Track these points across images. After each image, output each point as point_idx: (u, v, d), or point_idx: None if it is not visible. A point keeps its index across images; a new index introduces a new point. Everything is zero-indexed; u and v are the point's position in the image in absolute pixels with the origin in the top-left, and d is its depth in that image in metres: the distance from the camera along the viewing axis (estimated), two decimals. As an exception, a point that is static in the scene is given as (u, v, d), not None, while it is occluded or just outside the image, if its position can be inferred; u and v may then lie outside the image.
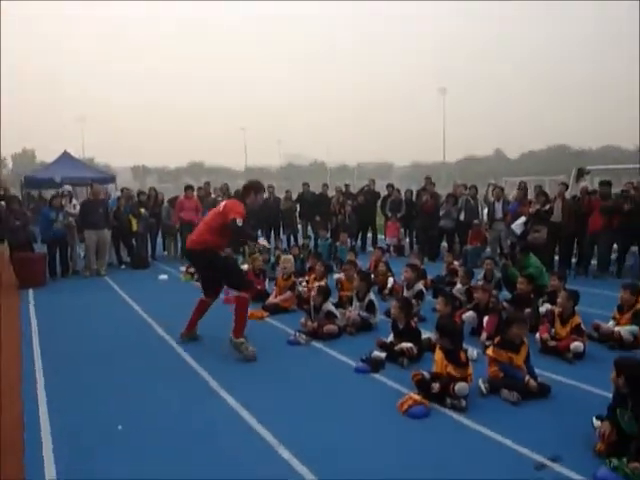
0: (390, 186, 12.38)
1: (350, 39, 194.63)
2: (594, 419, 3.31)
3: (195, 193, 11.78)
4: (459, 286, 6.52)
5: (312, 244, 11.37)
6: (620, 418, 3.03)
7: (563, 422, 3.57)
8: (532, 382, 3.97)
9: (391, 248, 11.66)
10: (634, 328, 5.08)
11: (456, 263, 8.67)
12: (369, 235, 12.80)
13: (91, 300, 7.69)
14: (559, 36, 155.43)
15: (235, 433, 3.50)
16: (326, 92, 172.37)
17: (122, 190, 11.19)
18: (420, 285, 6.35)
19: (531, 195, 11.00)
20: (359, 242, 12.44)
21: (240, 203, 5.05)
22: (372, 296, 5.96)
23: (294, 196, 12.84)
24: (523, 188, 10.36)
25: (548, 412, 3.74)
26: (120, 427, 3.55)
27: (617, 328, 5.14)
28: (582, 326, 4.98)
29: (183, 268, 10.15)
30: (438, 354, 4.08)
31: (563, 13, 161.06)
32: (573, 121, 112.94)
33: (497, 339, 4.22)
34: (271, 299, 6.87)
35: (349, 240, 10.94)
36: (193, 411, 3.83)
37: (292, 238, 12.71)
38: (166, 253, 11.93)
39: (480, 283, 6.53)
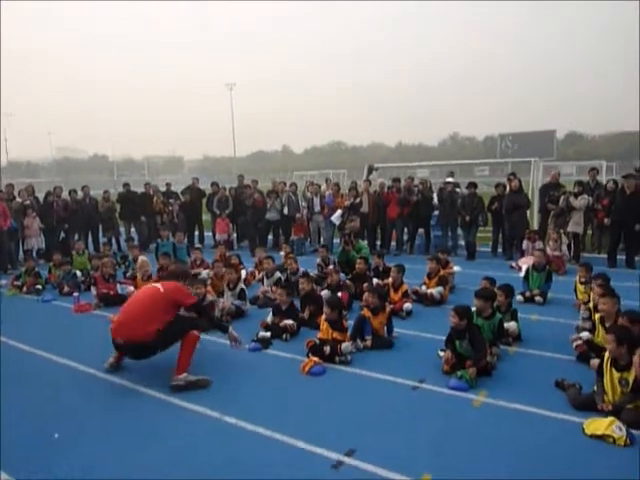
0: (215, 184, 12.94)
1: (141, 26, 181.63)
2: (438, 351, 4.76)
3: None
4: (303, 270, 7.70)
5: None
6: (458, 346, 4.49)
7: (417, 357, 4.96)
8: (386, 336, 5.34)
9: (222, 243, 12.27)
10: (440, 289, 6.93)
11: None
12: (196, 233, 13.14)
13: None
14: (351, 40, 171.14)
15: (171, 412, 3.94)
16: (104, 78, 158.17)
17: None
18: (278, 273, 7.29)
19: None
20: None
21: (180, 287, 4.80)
22: (242, 285, 6.67)
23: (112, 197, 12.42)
24: (335, 184, 12.12)
25: (404, 353, 5.11)
26: (57, 435, 3.64)
27: (429, 290, 6.92)
28: (408, 291, 6.60)
29: (3, 281, 9.12)
30: (324, 324, 5.10)
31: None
32: (349, 120, 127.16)
33: (365, 305, 5.45)
34: (134, 301, 6.95)
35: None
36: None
37: (114, 241, 12.28)
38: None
39: (328, 269, 7.83)
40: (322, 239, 12.12)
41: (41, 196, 12.03)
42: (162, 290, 4.59)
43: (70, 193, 11.97)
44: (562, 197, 9.48)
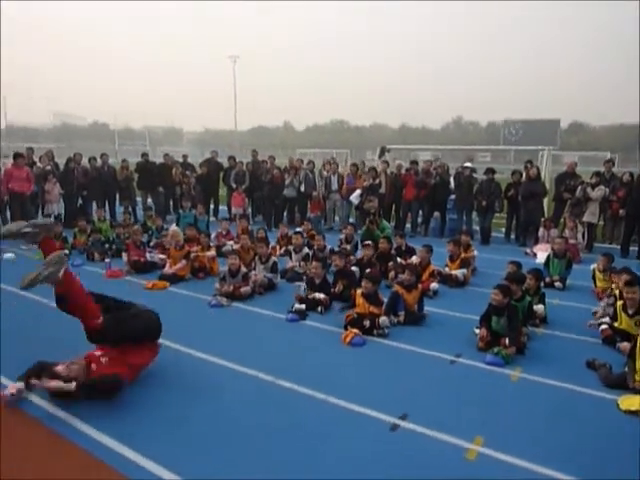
0: (232, 158, 13.03)
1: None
2: (474, 328, 5.01)
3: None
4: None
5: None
6: (495, 324, 4.74)
7: (449, 334, 5.22)
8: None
9: (237, 217, 12.42)
10: (463, 271, 7.17)
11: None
12: (211, 206, 13.26)
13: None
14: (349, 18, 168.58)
15: (228, 375, 4.18)
16: (107, 48, 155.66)
17: None
18: (307, 249, 7.49)
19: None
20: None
21: None
22: (274, 258, 6.88)
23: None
24: (354, 164, 12.25)
25: (437, 330, 5.37)
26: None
27: (453, 272, 7.16)
28: (435, 272, 6.84)
29: (25, 245, 9.26)
30: (359, 299, 5.33)
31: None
32: (351, 100, 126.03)
33: (398, 282, 5.68)
34: (167, 270, 7.16)
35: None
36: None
37: (130, 209, 12.39)
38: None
39: (344, 246, 8.06)
40: (338, 217, 12.32)
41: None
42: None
43: (90, 160, 12.02)
44: (579, 187, 9.69)
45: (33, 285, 3.52)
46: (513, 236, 10.78)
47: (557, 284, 7.02)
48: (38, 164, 11.29)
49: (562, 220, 10.27)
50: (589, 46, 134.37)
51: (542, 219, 9.89)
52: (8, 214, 10.32)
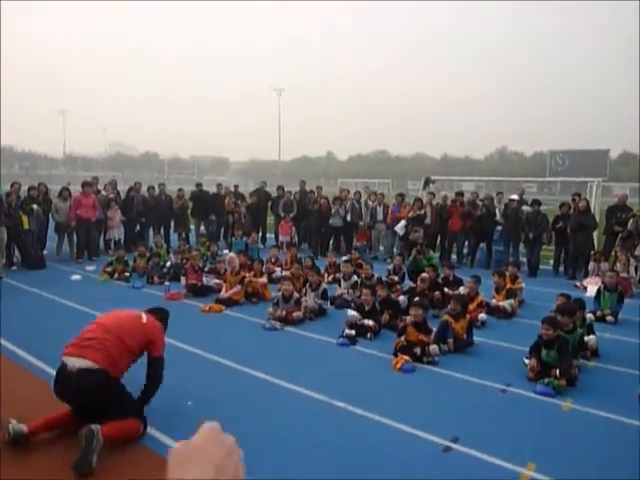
0: (281, 188, 13.55)
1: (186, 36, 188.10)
2: (524, 358, 5.08)
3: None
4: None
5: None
6: (545, 355, 4.81)
7: (498, 364, 5.29)
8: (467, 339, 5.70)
9: (284, 245, 12.84)
10: (511, 301, 7.22)
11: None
12: (259, 234, 13.75)
13: (30, 305, 7.36)
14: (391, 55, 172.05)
15: (286, 395, 4.42)
16: (156, 83, 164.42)
17: (12, 185, 10.28)
18: (355, 277, 7.74)
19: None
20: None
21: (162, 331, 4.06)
22: (325, 286, 7.16)
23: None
24: (400, 194, 12.52)
25: (486, 360, 5.46)
26: (190, 403, 4.18)
27: (500, 303, 7.21)
28: (483, 302, 6.93)
29: (90, 267, 9.95)
30: (409, 327, 5.50)
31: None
32: (392, 130, 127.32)
33: (447, 312, 5.84)
34: (223, 294, 7.55)
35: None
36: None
37: (184, 236, 13.03)
38: (56, 253, 11.22)
39: (392, 277, 8.28)
40: (382, 247, 12.53)
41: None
42: (144, 321, 3.90)
43: (148, 189, 12.80)
44: (631, 220, 9.56)
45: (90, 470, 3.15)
46: (562, 269, 10.66)
47: (609, 318, 6.95)
48: (102, 192, 12.12)
49: (613, 253, 10.11)
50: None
51: (592, 252, 9.78)
52: (75, 238, 11.07)
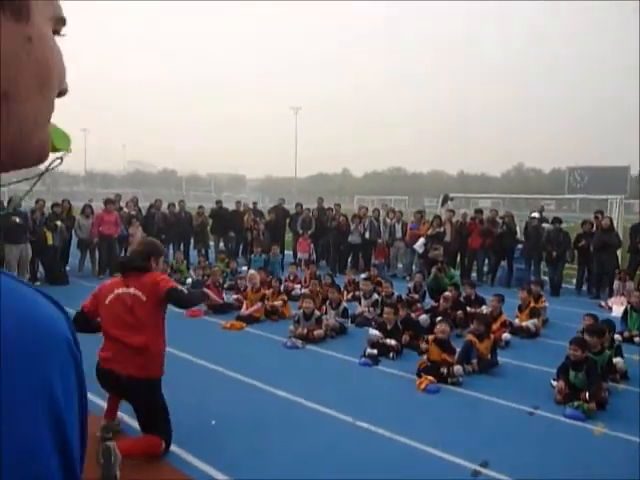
0: (299, 205, 13.62)
1: (200, 53, 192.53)
2: (551, 380, 4.98)
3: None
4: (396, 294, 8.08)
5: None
6: (573, 377, 4.71)
7: (524, 385, 5.19)
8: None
9: (302, 262, 12.85)
10: (534, 321, 7.10)
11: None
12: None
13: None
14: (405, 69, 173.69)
15: (309, 414, 4.39)
16: (173, 102, 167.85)
17: (37, 201, 10.52)
18: (376, 295, 7.70)
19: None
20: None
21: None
22: (345, 304, 7.13)
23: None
24: (419, 212, 12.50)
25: (511, 381, 5.36)
26: (214, 422, 4.17)
27: (524, 323, 7.10)
28: (506, 322, 6.83)
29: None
30: (432, 346, 5.44)
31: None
32: (407, 147, 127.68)
33: (470, 331, 5.76)
34: (243, 311, 7.56)
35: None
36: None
37: (204, 253, 13.13)
38: (79, 269, 11.39)
39: (412, 295, 8.22)
40: (401, 265, 12.47)
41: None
42: (144, 298, 3.47)
43: (169, 207, 12.97)
44: (656, 238, 9.39)
45: None
46: (584, 288, 10.48)
47: (637, 339, 6.79)
48: (124, 209, 12.31)
49: (638, 272, 9.91)
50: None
51: (617, 271, 9.60)
52: (97, 254, 11.24)
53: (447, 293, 7.29)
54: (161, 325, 3.60)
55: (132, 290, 3.49)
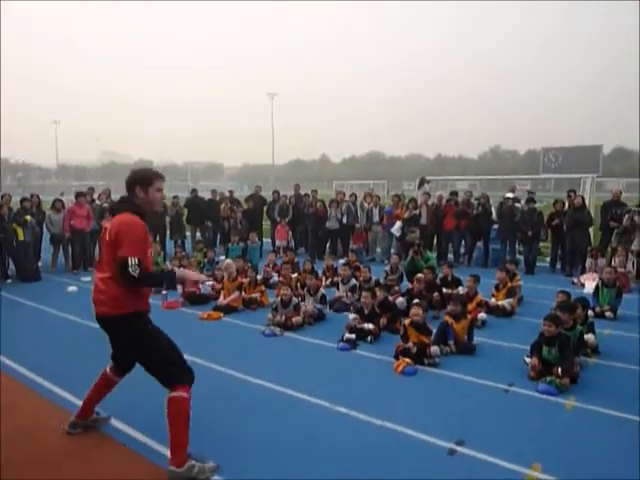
0: (276, 192, 13.51)
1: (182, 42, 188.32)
2: (525, 357, 5.07)
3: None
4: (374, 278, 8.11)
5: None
6: (546, 353, 4.79)
7: (499, 363, 5.27)
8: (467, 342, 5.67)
9: (281, 250, 12.80)
10: (510, 300, 7.21)
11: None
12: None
13: (26, 318, 7.31)
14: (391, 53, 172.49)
15: (285, 401, 4.39)
16: (150, 90, 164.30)
17: (2, 196, 10.19)
18: (354, 280, 7.70)
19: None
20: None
21: (136, 224, 3.18)
22: (323, 291, 7.12)
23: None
24: (396, 195, 12.53)
25: (487, 359, 5.43)
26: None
27: (499, 302, 7.20)
28: (482, 302, 6.91)
29: (86, 278, 9.88)
30: (409, 329, 5.47)
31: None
32: (386, 131, 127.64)
33: (447, 312, 5.82)
34: (221, 300, 7.50)
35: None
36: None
37: (180, 243, 12.97)
38: (52, 265, 11.13)
39: (390, 277, 8.25)
40: (379, 249, 12.51)
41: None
42: (109, 234, 3.20)
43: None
44: (626, 215, 9.59)
45: None
46: (558, 265, 10.67)
47: (608, 314, 6.95)
48: (97, 202, 12.04)
49: (609, 249, 10.13)
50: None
51: (589, 248, 9.79)
52: (70, 250, 11.00)
53: (420, 275, 7.35)
54: None
55: (108, 227, 3.26)
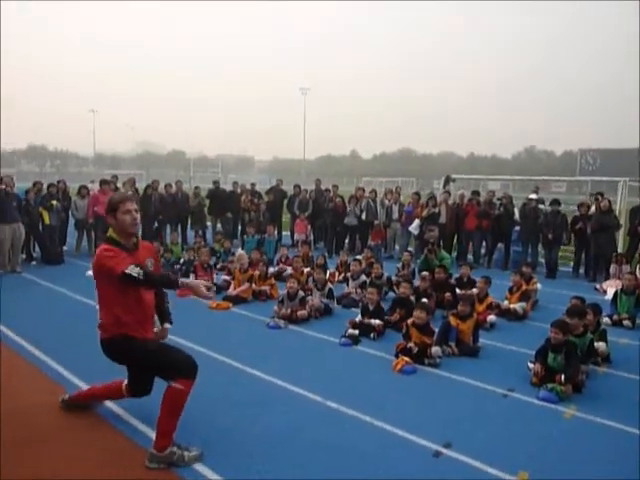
0: (297, 186, 13.52)
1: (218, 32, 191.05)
2: (528, 362, 4.92)
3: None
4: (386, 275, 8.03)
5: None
6: (552, 360, 4.64)
7: (503, 368, 5.14)
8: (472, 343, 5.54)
9: (299, 243, 12.81)
10: (522, 304, 7.01)
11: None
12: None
13: (40, 298, 7.55)
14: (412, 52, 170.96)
15: (279, 394, 4.38)
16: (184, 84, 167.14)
17: (34, 183, 10.55)
18: (364, 276, 7.64)
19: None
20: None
21: (103, 249, 3.27)
22: (331, 285, 7.09)
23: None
24: (416, 193, 12.35)
25: (490, 363, 5.30)
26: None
27: (512, 305, 7.02)
28: (493, 304, 6.75)
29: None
30: (411, 329, 5.39)
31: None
32: (417, 127, 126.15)
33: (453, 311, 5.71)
34: (231, 291, 7.57)
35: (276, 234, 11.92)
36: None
37: (201, 233, 13.12)
38: (76, 249, 11.46)
39: (402, 272, 8.15)
40: (398, 246, 12.38)
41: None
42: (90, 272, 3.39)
43: (165, 187, 12.94)
44: (655, 221, 9.19)
45: None
46: (582, 271, 10.33)
47: (626, 322, 6.68)
48: (121, 190, 12.30)
49: (636, 255, 9.74)
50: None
51: (614, 254, 9.43)
52: (93, 235, 11.30)
53: (425, 273, 7.23)
54: (108, 298, 3.35)
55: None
